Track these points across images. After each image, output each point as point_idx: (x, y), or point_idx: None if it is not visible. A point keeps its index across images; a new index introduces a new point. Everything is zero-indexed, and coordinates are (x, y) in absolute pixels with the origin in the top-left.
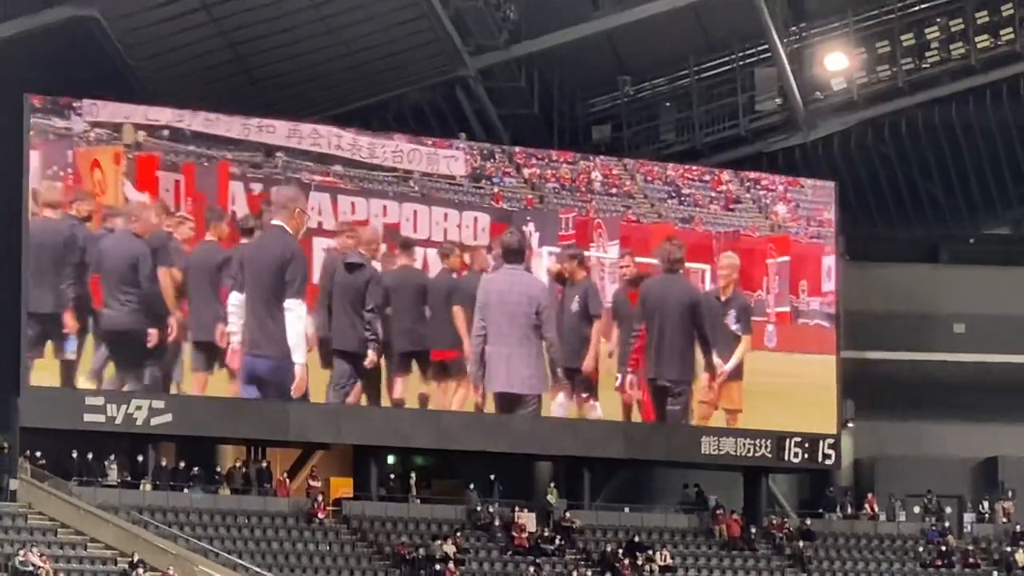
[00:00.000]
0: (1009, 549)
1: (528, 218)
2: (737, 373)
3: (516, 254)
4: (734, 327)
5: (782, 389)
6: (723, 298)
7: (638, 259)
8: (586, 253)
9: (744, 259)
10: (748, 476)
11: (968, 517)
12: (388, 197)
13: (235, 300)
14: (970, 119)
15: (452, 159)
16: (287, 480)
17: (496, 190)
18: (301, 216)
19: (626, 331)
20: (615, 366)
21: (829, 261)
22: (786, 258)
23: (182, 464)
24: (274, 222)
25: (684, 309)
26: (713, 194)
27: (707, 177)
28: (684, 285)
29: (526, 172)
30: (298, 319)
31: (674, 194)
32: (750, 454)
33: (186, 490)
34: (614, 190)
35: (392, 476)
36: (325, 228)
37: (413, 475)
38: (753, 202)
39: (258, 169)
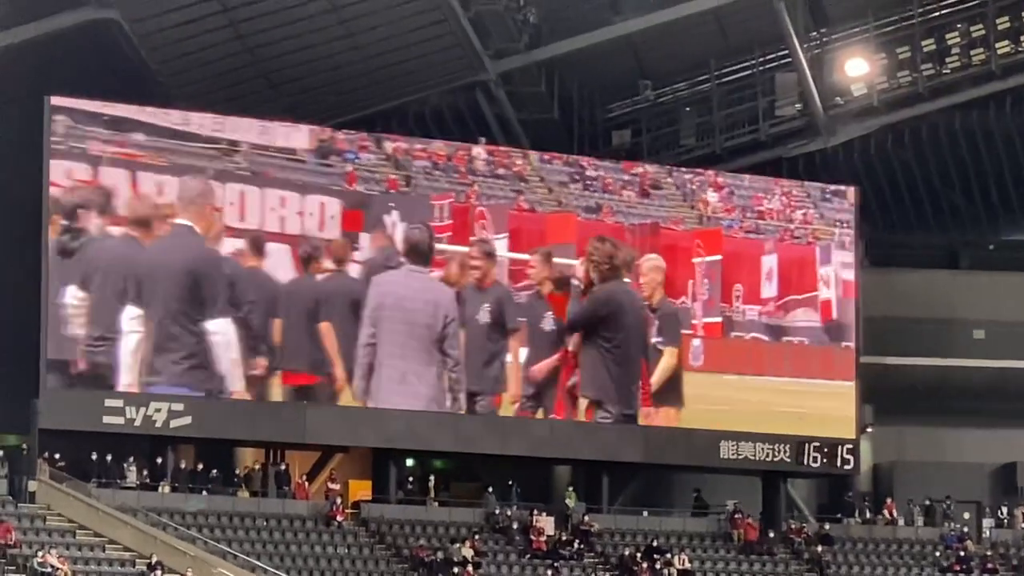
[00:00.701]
0: None
1: (391, 204)
2: (673, 396)
3: (421, 255)
4: (655, 339)
5: (720, 417)
6: (653, 307)
7: (559, 260)
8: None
9: (664, 258)
10: (767, 480)
11: (987, 522)
12: (207, 175)
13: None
14: (990, 125)
15: (292, 129)
16: (306, 483)
17: (349, 168)
18: (213, 215)
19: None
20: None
21: (770, 261)
22: (717, 257)
23: (200, 466)
24: (178, 220)
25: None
26: (626, 178)
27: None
28: (636, 294)
29: (388, 146)
30: (227, 345)
31: (577, 177)
32: (769, 459)
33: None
34: (502, 171)
35: (411, 479)
36: (119, 213)
37: (432, 478)
38: (676, 188)
39: None
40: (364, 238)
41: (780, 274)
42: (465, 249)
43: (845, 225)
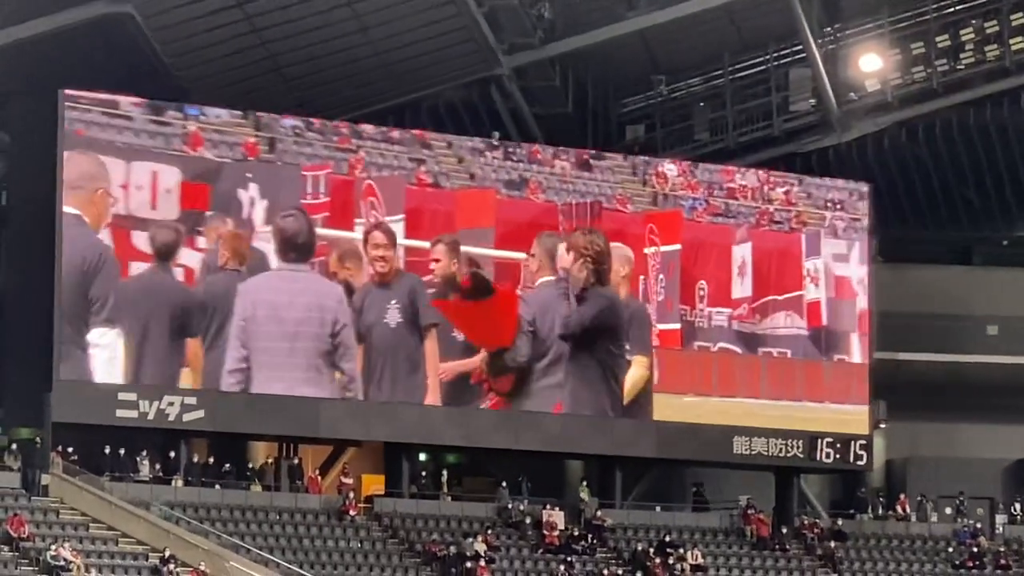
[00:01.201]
0: None
1: (248, 174)
2: (644, 416)
3: (300, 248)
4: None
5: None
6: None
7: (472, 250)
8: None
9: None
10: (780, 476)
11: (1000, 519)
12: None
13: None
14: (1004, 121)
15: None
16: (319, 477)
17: (191, 128)
18: (104, 199)
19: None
20: None
21: (743, 252)
22: (675, 246)
23: (213, 460)
24: (66, 209)
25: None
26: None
27: None
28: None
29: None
30: (109, 359)
31: (495, 144)
32: (782, 454)
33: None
34: (397, 135)
35: (424, 474)
36: None
37: (445, 473)
38: (624, 159)
39: None
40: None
41: (755, 269)
42: (351, 235)
43: (838, 207)
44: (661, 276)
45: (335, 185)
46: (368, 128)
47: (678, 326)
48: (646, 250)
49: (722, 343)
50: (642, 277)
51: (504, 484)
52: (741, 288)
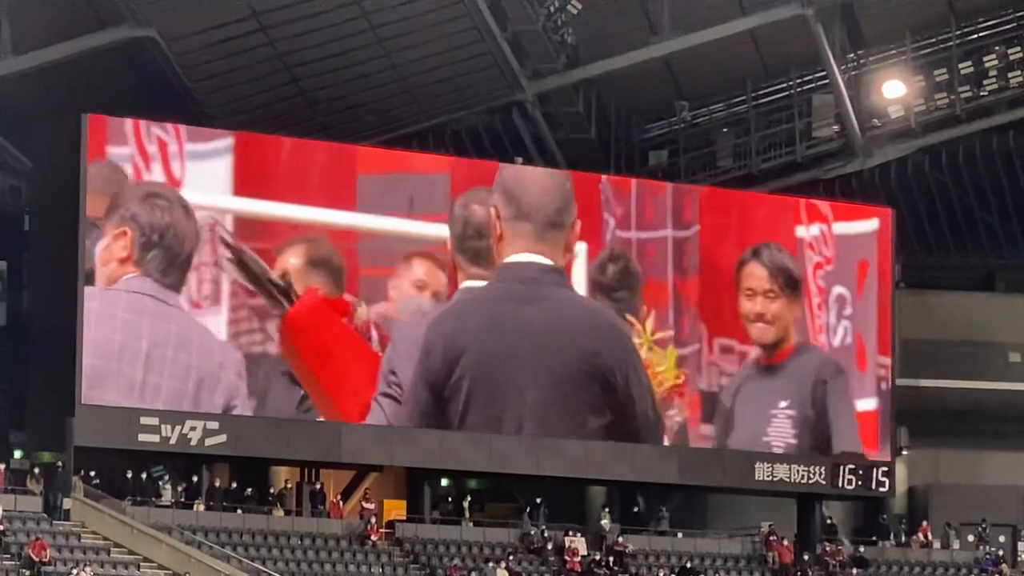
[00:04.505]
0: None
1: None
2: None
3: None
4: None
5: None
6: None
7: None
8: None
9: None
10: (802, 502)
11: (1022, 545)
12: None
13: None
14: None
15: None
16: (340, 502)
17: None
18: None
19: None
20: None
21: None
22: None
23: (235, 485)
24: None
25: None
26: None
27: None
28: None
29: None
30: None
31: None
32: (804, 480)
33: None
34: None
35: (450, 499)
36: None
37: (468, 498)
38: None
39: None
40: None
41: None
42: None
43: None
44: None
45: None
46: None
47: None
48: None
49: None
50: None
51: (528, 509)
52: None
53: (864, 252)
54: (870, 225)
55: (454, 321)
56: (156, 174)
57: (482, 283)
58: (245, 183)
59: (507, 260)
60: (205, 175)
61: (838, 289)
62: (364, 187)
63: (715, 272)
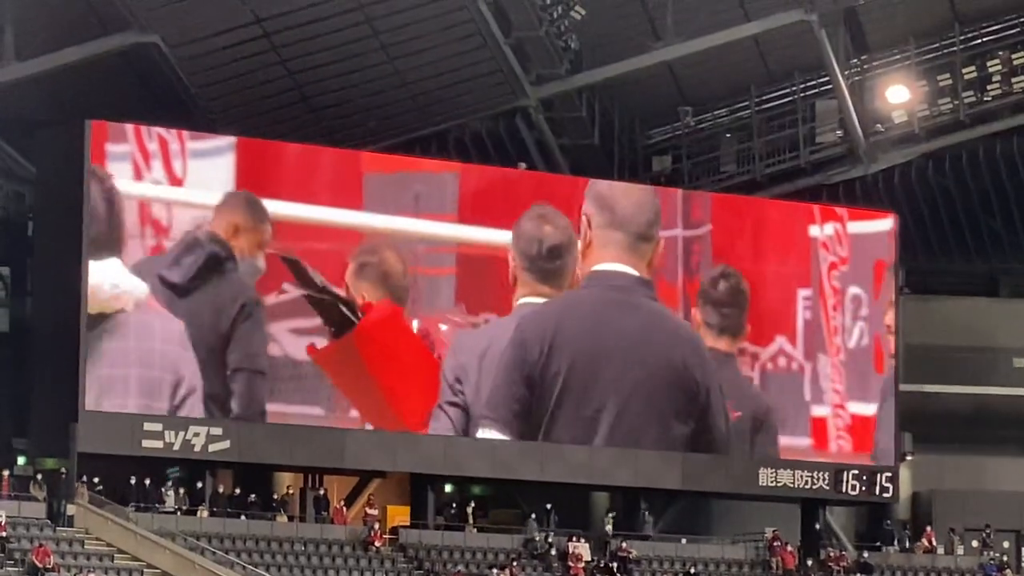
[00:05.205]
0: None
1: None
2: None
3: None
4: None
5: None
6: None
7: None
8: None
9: None
10: (805, 508)
11: None
12: None
13: None
14: None
15: None
16: (344, 508)
17: None
18: None
19: None
20: None
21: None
22: None
23: (239, 491)
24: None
25: None
26: None
27: None
28: None
29: None
30: None
31: None
32: (807, 486)
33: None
34: None
35: (454, 505)
36: None
37: (472, 503)
38: None
39: None
40: None
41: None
42: None
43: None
44: None
45: None
46: None
47: None
48: None
49: None
50: None
51: (534, 516)
52: None
53: (880, 252)
54: (885, 224)
55: (554, 319)
56: (156, 172)
57: (541, 299)
58: (247, 182)
59: (596, 268)
60: (207, 174)
61: (853, 290)
62: (370, 186)
63: None
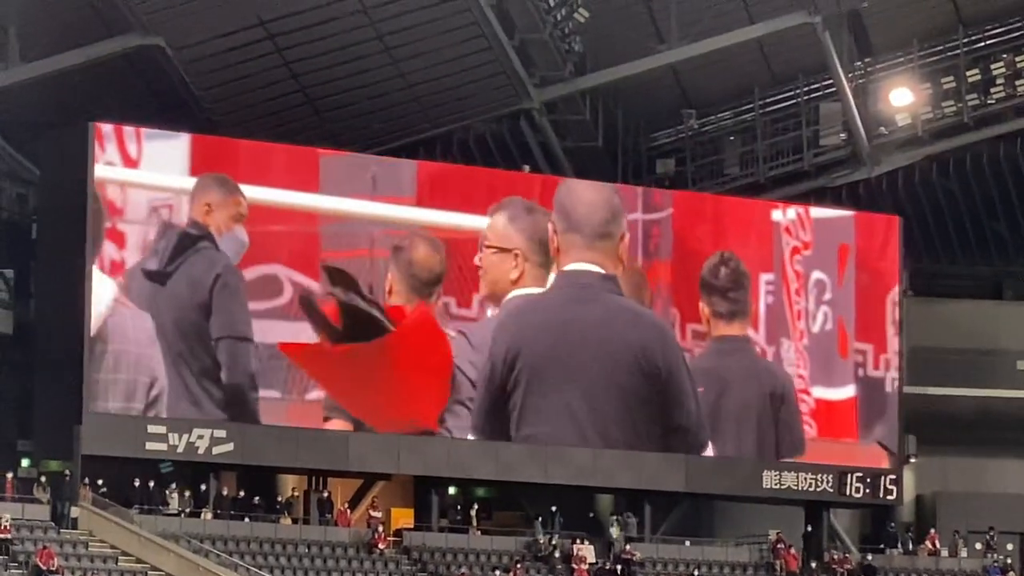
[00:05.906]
0: None
1: None
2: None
3: None
4: None
5: None
6: None
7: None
8: None
9: None
10: (809, 511)
11: None
12: None
13: None
14: None
15: None
16: (348, 510)
17: None
18: None
19: None
20: None
21: None
22: None
23: (243, 493)
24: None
25: None
26: None
27: None
28: None
29: None
30: None
31: None
32: (811, 489)
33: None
34: None
35: (459, 507)
36: None
37: (475, 506)
38: None
39: None
40: None
41: None
42: None
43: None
44: None
45: None
46: None
47: None
48: None
49: None
50: None
51: (540, 518)
52: None
53: (843, 236)
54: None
55: (514, 324)
56: (111, 154)
57: (536, 290)
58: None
59: (565, 268)
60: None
61: (817, 274)
62: (327, 169)
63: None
